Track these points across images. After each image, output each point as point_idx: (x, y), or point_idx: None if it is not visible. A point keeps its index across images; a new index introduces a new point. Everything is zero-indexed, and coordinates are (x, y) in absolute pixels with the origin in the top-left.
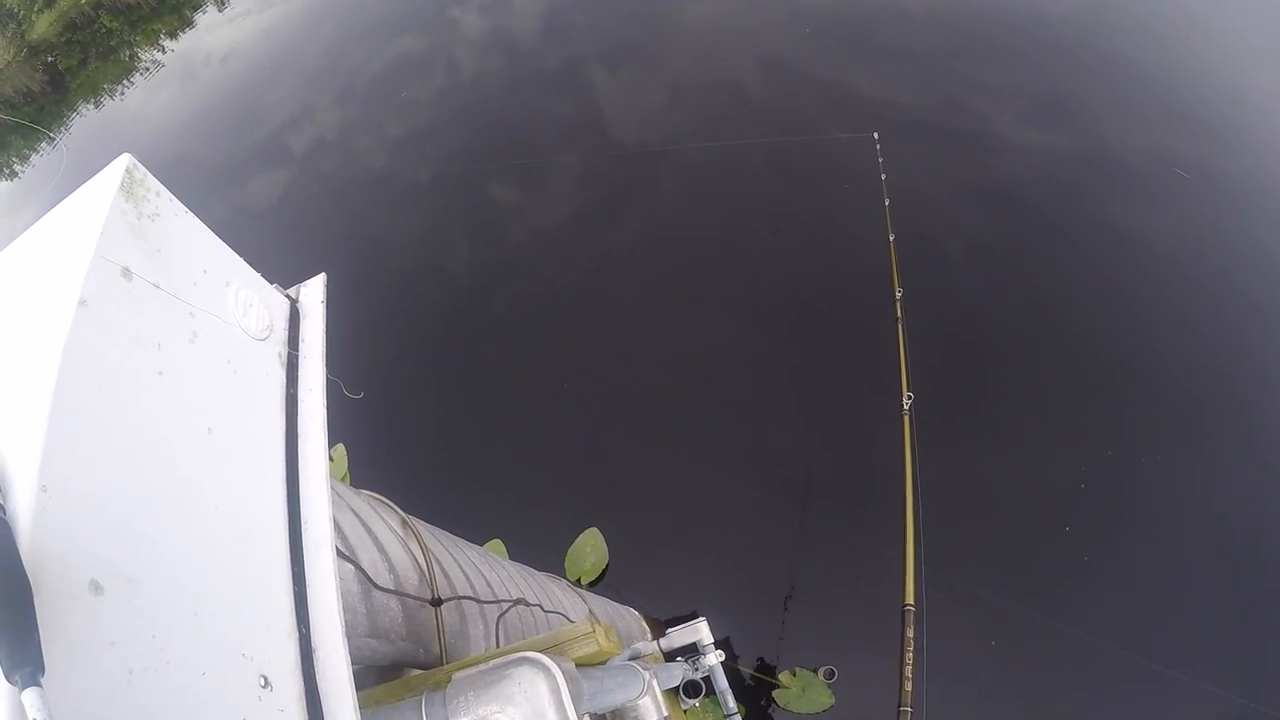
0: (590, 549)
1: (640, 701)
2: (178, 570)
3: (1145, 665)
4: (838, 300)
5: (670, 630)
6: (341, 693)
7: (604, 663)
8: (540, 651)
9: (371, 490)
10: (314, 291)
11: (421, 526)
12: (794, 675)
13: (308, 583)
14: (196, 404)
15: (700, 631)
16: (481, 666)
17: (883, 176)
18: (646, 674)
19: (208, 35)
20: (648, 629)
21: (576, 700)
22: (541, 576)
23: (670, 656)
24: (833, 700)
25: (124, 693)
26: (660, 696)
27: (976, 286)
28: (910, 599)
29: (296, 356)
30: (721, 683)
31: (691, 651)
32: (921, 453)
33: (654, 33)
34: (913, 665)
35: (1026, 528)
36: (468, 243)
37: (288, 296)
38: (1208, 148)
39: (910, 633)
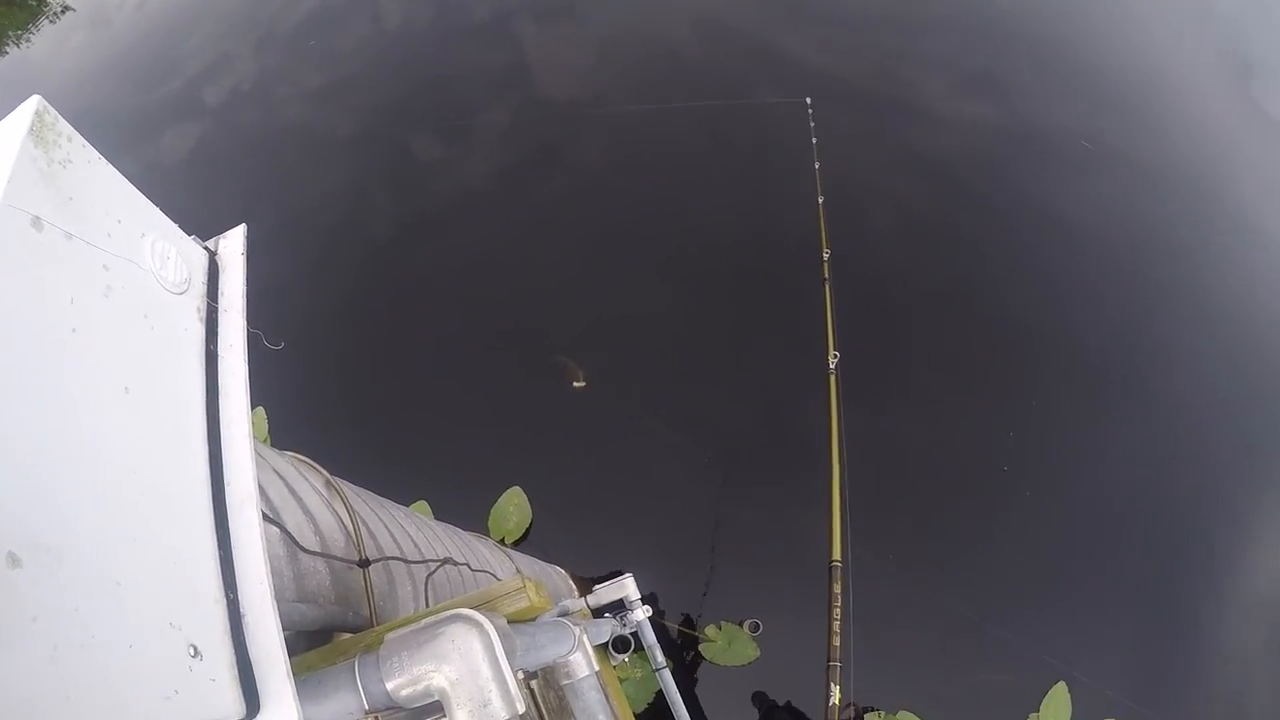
0: (513, 508)
1: (572, 657)
2: (98, 538)
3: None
4: (766, 260)
5: (597, 587)
6: (273, 658)
7: (534, 619)
8: (472, 609)
9: (294, 451)
10: (234, 243)
11: (346, 487)
12: (719, 629)
13: (233, 546)
14: (112, 361)
15: (626, 588)
16: (413, 626)
17: (814, 140)
18: (577, 629)
19: None
20: (574, 587)
21: (510, 656)
22: (467, 536)
23: (598, 613)
24: (758, 653)
25: (48, 671)
26: (591, 651)
27: (903, 249)
28: (837, 555)
29: (216, 311)
30: (649, 637)
31: (619, 608)
32: (847, 410)
33: None
34: (840, 620)
35: (948, 484)
36: (390, 199)
37: (206, 249)
38: (1120, 124)
39: (837, 588)
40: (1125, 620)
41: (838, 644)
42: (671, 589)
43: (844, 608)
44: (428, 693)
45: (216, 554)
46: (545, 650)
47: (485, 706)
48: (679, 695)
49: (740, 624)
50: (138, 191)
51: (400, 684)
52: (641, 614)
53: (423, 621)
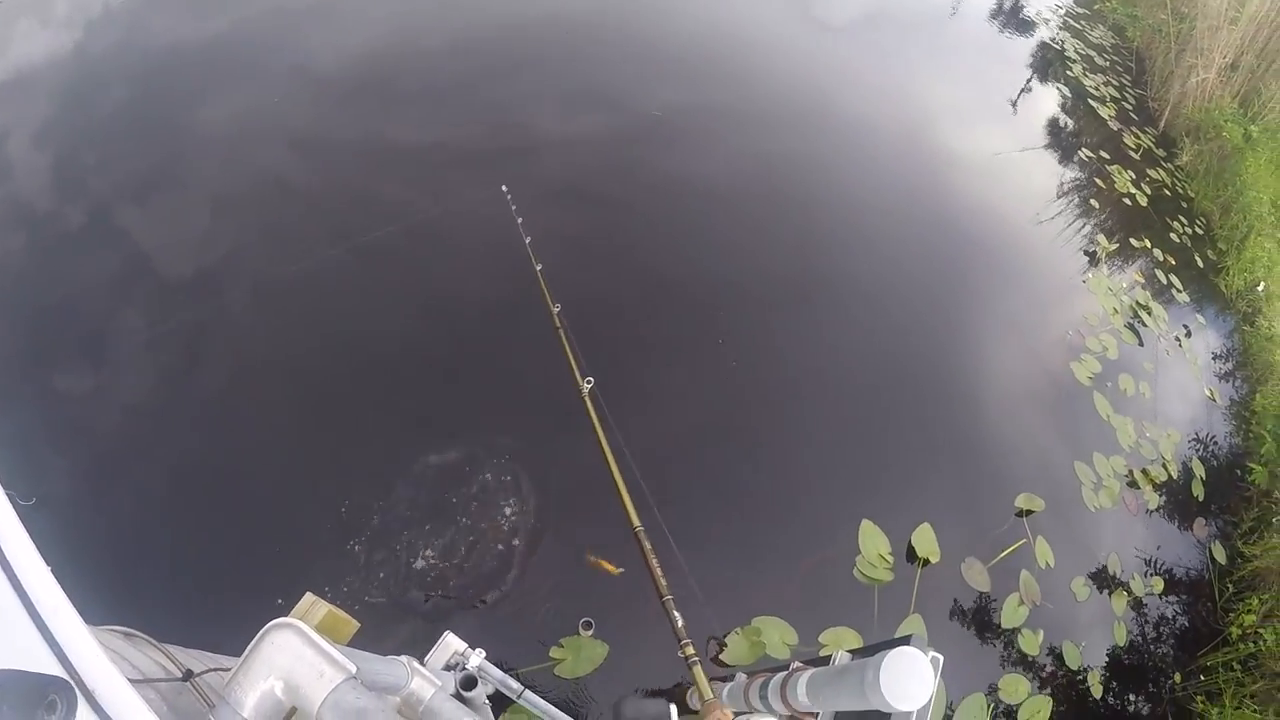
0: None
1: (413, 685)
2: None
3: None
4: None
5: (426, 658)
6: None
7: (349, 644)
8: None
9: None
10: None
11: None
12: (561, 646)
13: (60, 640)
14: None
15: (451, 644)
16: (235, 664)
17: (519, 220)
18: (403, 658)
19: None
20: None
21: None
22: None
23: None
24: (607, 647)
25: None
26: (429, 674)
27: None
28: (636, 522)
29: None
30: (495, 674)
31: (452, 667)
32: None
33: (174, 148)
34: (658, 561)
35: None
36: (54, 455)
37: None
38: (715, 87)
39: (648, 545)
40: (908, 461)
41: (665, 582)
42: (494, 643)
43: (658, 553)
44: (277, 701)
45: (50, 650)
46: (380, 675)
47: (321, 678)
48: (549, 704)
49: (577, 634)
50: None
51: (252, 703)
52: (476, 658)
53: (242, 655)
